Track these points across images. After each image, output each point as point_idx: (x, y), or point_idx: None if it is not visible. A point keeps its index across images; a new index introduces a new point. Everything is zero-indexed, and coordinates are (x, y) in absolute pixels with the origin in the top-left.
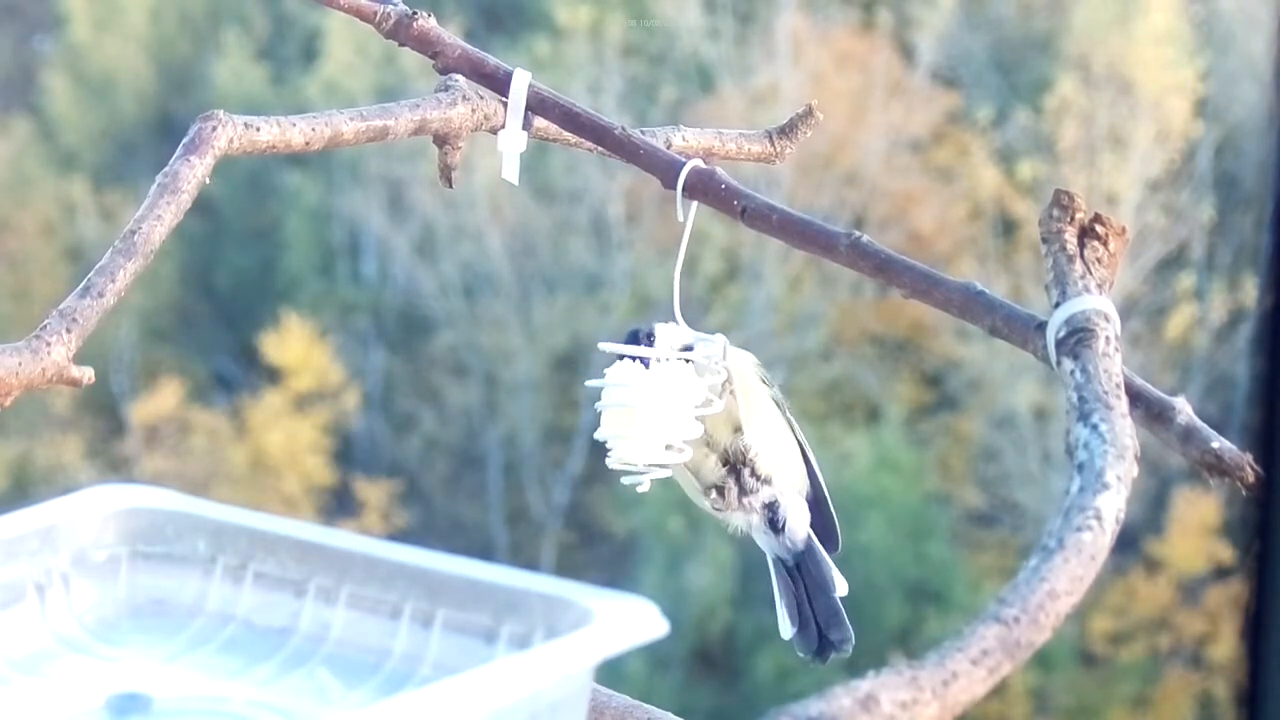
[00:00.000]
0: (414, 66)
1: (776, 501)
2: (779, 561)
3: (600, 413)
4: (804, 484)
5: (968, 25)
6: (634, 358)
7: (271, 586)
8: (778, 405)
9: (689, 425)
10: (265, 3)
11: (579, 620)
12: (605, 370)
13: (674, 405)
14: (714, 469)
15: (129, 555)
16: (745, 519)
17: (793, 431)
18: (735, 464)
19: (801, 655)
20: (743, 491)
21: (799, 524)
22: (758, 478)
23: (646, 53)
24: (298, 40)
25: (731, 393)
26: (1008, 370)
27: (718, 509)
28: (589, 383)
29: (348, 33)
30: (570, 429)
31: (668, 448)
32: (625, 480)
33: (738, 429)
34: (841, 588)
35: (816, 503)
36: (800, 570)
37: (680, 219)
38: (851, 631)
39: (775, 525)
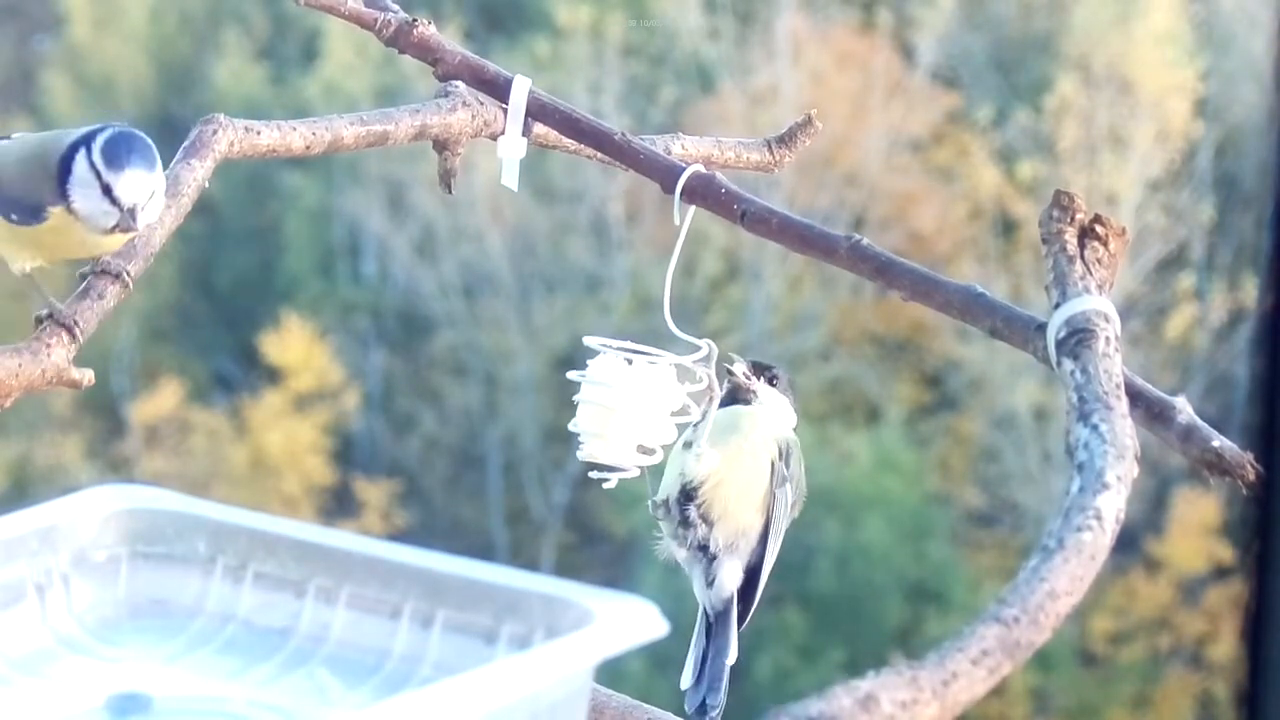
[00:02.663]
0: (414, 67)
1: (713, 553)
2: (705, 615)
3: (577, 406)
4: (748, 550)
5: (968, 25)
6: (618, 349)
7: (271, 586)
8: (774, 471)
9: (664, 429)
10: (265, 3)
11: (579, 620)
12: (588, 362)
13: (651, 407)
14: (674, 488)
15: (129, 555)
16: (677, 551)
17: (770, 502)
18: (688, 492)
19: (685, 709)
20: (683, 523)
21: (729, 583)
22: (703, 517)
23: (646, 53)
24: (298, 40)
25: (710, 400)
26: (1008, 370)
27: (656, 517)
28: (570, 374)
29: (348, 33)
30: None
31: (640, 449)
32: (593, 475)
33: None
34: (733, 656)
35: (751, 577)
36: (713, 628)
37: (676, 222)
38: (724, 700)
39: (709, 578)
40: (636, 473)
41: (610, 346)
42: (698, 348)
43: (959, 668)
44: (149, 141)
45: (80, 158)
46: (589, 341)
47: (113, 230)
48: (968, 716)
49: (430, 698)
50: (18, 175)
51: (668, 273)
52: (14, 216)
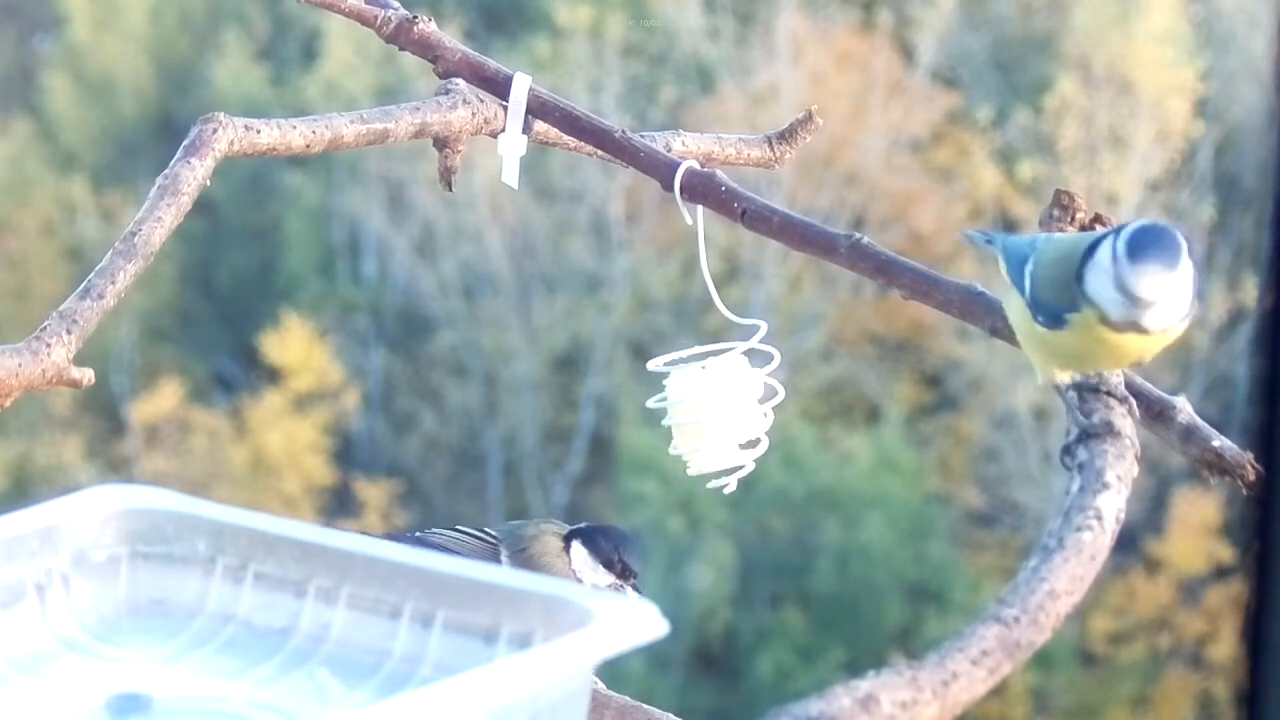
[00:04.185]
0: (414, 66)
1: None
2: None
3: (670, 429)
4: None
5: (968, 25)
6: (686, 359)
7: (271, 586)
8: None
9: (757, 418)
10: (265, 3)
11: (579, 620)
12: (664, 383)
13: (737, 404)
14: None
15: (129, 555)
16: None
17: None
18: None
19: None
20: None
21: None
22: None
23: (646, 53)
24: (298, 40)
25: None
26: (1008, 370)
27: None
28: (650, 403)
29: (348, 33)
30: (570, 429)
31: (742, 445)
32: (711, 485)
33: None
34: None
35: None
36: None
37: (690, 222)
38: None
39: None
40: (751, 467)
41: (676, 360)
42: (745, 329)
43: (959, 668)
44: (1179, 238)
45: (1104, 245)
46: (652, 366)
47: (1124, 326)
48: (968, 716)
49: (430, 698)
50: (1049, 277)
51: (703, 265)
52: (1040, 319)
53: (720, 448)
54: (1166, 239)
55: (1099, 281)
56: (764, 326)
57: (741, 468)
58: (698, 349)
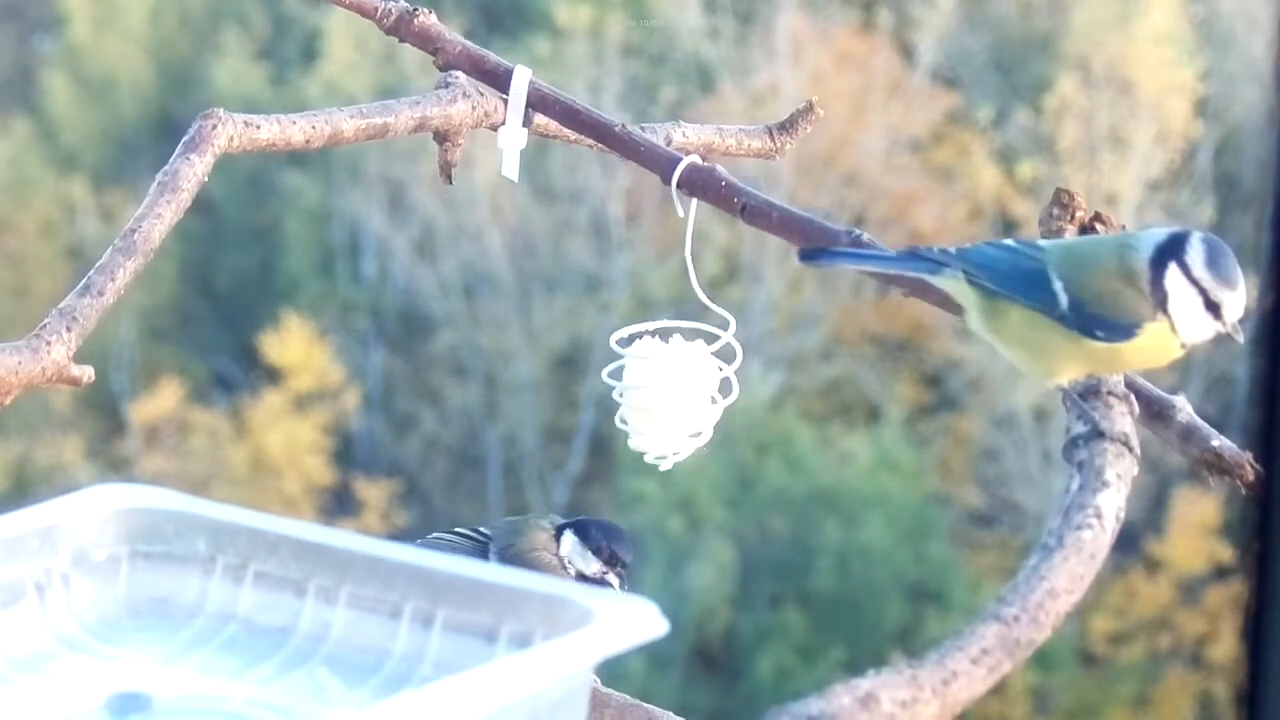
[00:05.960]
0: (414, 66)
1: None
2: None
3: (620, 405)
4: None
5: (968, 25)
6: (652, 334)
7: (271, 586)
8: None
9: (708, 413)
10: (265, 3)
11: (579, 620)
12: (625, 352)
13: (691, 397)
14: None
15: (129, 555)
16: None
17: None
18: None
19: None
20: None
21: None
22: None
23: (646, 53)
24: (298, 40)
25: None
26: (1008, 370)
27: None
28: (604, 375)
29: (348, 32)
30: (570, 429)
31: (689, 435)
32: (649, 459)
33: None
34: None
35: None
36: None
37: (680, 214)
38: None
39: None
40: (689, 453)
41: (639, 334)
42: (722, 318)
43: (959, 666)
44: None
45: (1173, 268)
46: (615, 344)
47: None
48: (968, 716)
49: (430, 698)
50: (1102, 291)
51: (688, 254)
52: (1100, 334)
53: (666, 436)
54: (1231, 257)
55: (1185, 299)
56: (733, 322)
57: (679, 452)
58: (664, 323)
